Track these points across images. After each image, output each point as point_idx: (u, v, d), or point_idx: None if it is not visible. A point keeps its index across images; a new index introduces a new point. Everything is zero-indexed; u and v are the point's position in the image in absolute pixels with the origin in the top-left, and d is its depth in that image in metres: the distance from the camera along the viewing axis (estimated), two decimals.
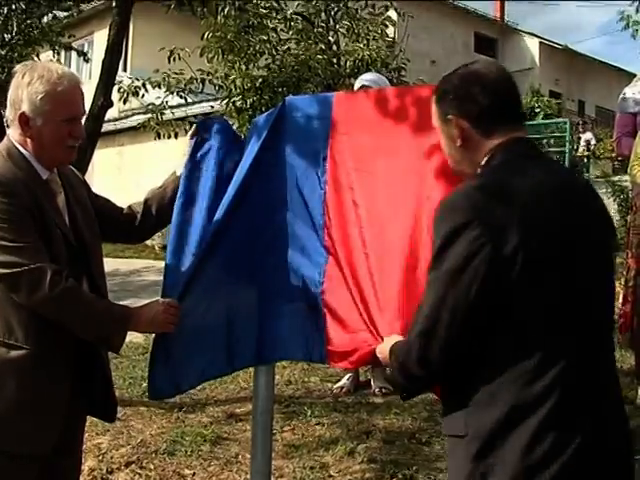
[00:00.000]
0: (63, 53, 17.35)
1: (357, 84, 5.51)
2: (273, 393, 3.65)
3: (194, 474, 5.17)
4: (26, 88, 2.89)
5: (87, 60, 15.86)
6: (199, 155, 3.51)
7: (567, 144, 20.64)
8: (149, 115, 9.52)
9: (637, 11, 17.71)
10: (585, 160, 24.97)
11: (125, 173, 21.02)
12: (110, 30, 6.97)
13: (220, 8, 8.73)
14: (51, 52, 15.13)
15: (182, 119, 10.74)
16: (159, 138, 9.28)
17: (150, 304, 3.13)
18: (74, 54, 17.18)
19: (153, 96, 9.43)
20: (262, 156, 3.47)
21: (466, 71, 2.50)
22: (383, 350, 2.70)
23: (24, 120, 2.91)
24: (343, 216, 3.33)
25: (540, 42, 35.35)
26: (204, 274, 3.33)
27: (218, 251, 3.36)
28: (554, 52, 35.32)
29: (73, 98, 2.98)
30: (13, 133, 2.98)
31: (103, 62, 7.00)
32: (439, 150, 3.18)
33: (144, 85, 9.25)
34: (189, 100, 9.82)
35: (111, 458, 5.40)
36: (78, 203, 3.14)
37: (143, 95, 9.33)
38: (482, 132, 2.41)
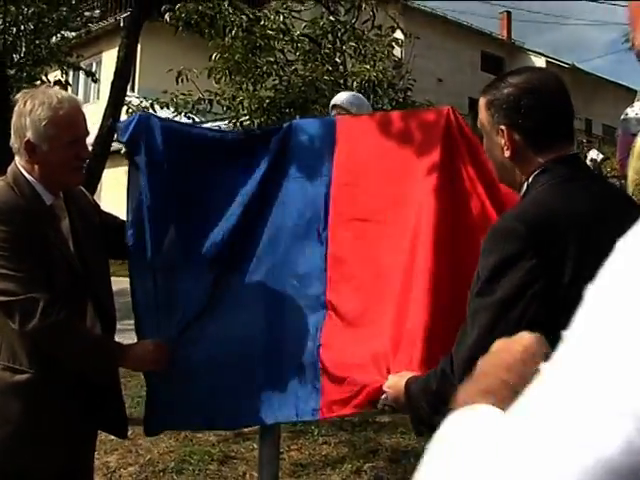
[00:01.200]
0: (71, 73, 17.44)
1: (331, 103, 5.53)
2: None
3: None
4: (29, 116, 2.94)
5: (95, 80, 15.94)
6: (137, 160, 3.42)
7: None
8: None
9: None
10: None
11: None
12: (119, 52, 7.05)
13: (228, 29, 8.79)
14: (59, 72, 15.21)
15: None
16: None
17: (142, 342, 3.23)
18: (82, 74, 17.26)
19: (161, 116, 9.47)
20: (267, 179, 3.48)
21: (522, 81, 2.39)
22: (395, 386, 2.66)
23: (30, 147, 2.95)
24: (348, 254, 3.33)
25: (547, 61, 35.38)
26: (198, 327, 3.35)
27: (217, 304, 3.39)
28: (561, 71, 35.29)
29: (75, 120, 3.03)
30: (19, 160, 3.02)
31: (112, 83, 7.08)
32: (444, 173, 3.21)
33: (152, 105, 9.32)
34: (196, 120, 9.87)
35: (119, 477, 5.43)
36: (84, 226, 3.16)
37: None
38: (533, 147, 2.33)
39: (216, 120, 10.67)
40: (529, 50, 36.86)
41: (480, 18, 37.78)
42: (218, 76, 8.95)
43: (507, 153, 2.35)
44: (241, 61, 8.69)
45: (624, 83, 37.83)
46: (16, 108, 3.01)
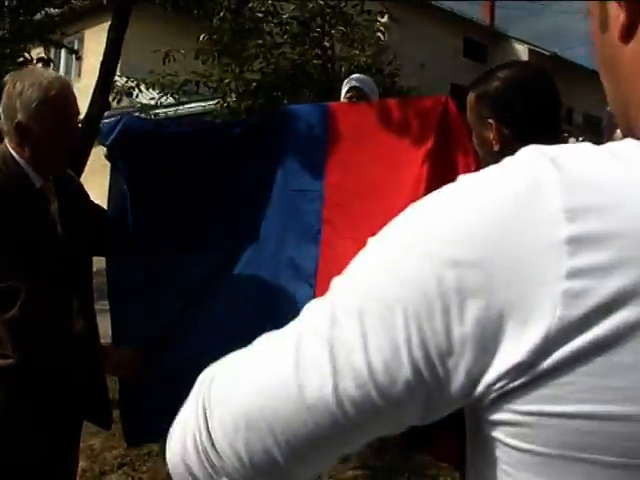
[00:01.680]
0: (53, 50, 17.29)
1: (346, 85, 5.44)
2: None
3: None
4: (19, 97, 2.89)
5: (78, 58, 15.81)
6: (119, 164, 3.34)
7: None
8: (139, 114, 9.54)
9: None
10: None
11: None
12: (109, 33, 6.97)
13: (216, 11, 8.73)
14: (41, 49, 15.06)
15: (174, 119, 10.76)
16: None
17: (120, 349, 3.19)
18: (63, 51, 17.11)
19: (147, 96, 9.44)
20: (256, 165, 3.42)
21: (510, 75, 2.44)
22: None
23: (21, 128, 2.90)
24: (342, 254, 3.15)
25: (530, 49, 35.45)
26: (181, 329, 3.28)
27: (204, 304, 3.30)
28: (543, 59, 35.37)
29: (66, 100, 2.98)
30: (9, 142, 2.97)
31: (101, 64, 7.00)
32: (438, 161, 3.20)
33: (138, 85, 9.27)
34: (183, 100, 9.84)
35: (104, 459, 5.41)
36: (72, 210, 3.11)
37: (137, 95, 9.34)
38: (522, 140, 2.33)
39: (199, 100, 10.64)
40: (512, 38, 36.85)
41: (463, 4, 37.77)
42: (205, 57, 8.88)
43: (496, 147, 2.39)
44: (230, 43, 8.63)
45: None
46: (5, 90, 2.97)
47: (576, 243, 0.71)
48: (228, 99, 8.82)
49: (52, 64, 16.12)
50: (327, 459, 0.88)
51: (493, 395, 0.75)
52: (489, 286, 0.73)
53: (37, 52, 15.30)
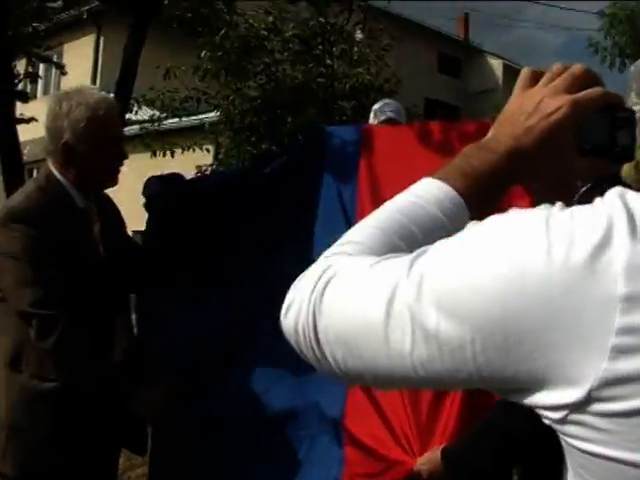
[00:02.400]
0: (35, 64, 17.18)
1: (380, 115, 5.37)
2: None
3: None
4: (66, 117, 2.87)
5: (64, 73, 15.72)
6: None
7: None
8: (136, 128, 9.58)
9: (605, 37, 18.20)
10: None
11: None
12: (124, 53, 6.98)
13: (219, 28, 8.76)
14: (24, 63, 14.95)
15: (174, 131, 10.82)
16: (155, 156, 9.31)
17: (150, 391, 2.99)
18: (42, 65, 17.02)
19: (147, 113, 9.46)
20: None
21: None
22: (430, 460, 2.60)
23: (67, 149, 2.88)
24: None
25: (504, 63, 35.78)
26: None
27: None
28: (517, 73, 35.56)
29: (113, 120, 3.00)
30: (53, 162, 2.95)
31: (117, 83, 7.01)
32: None
33: (138, 102, 9.27)
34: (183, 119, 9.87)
35: (128, 478, 5.38)
36: (113, 233, 3.12)
37: (137, 112, 9.35)
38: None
39: (199, 114, 10.65)
40: (486, 52, 37.17)
41: (438, 19, 37.98)
42: (210, 75, 8.90)
43: None
44: (235, 60, 8.66)
45: None
46: (50, 110, 2.96)
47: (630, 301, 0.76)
48: (232, 118, 8.84)
49: (40, 79, 16.10)
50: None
51: (553, 421, 0.83)
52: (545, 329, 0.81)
53: (21, 67, 15.27)
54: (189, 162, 10.87)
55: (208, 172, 9.47)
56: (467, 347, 0.85)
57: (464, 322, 0.85)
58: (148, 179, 3.37)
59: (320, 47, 9.33)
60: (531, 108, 1.15)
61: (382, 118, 5.23)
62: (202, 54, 8.94)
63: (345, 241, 1.09)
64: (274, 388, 3.16)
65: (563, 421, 0.81)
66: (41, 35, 15.58)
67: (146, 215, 3.31)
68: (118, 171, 3.06)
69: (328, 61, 9.20)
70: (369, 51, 9.61)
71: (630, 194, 0.85)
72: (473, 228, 0.93)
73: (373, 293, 0.93)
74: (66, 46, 24.43)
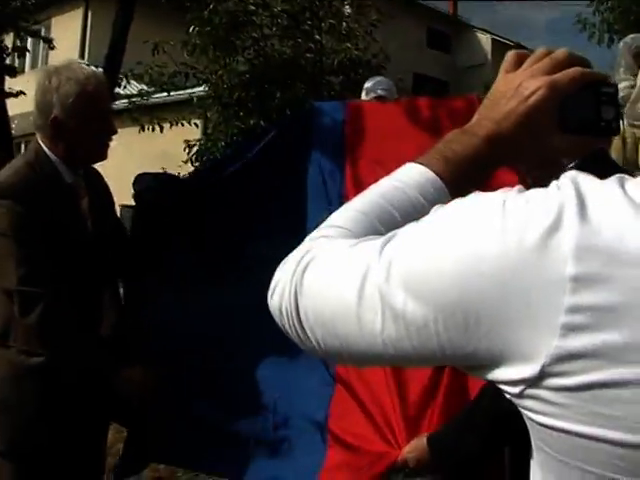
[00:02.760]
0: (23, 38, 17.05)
1: (371, 93, 5.41)
2: None
3: None
4: (56, 92, 2.88)
5: (52, 47, 15.64)
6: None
7: None
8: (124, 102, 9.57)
9: (594, 14, 18.14)
10: None
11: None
12: (113, 28, 6.98)
13: (207, 3, 8.74)
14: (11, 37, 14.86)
15: (162, 106, 10.83)
16: (143, 130, 9.32)
17: (135, 368, 2.99)
18: (30, 39, 16.93)
19: (135, 88, 9.47)
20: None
21: None
22: (416, 447, 2.60)
23: (57, 124, 2.89)
24: None
25: (493, 39, 35.67)
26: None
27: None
28: (507, 49, 35.41)
29: (102, 95, 2.99)
30: (42, 137, 2.96)
31: (106, 58, 7.02)
32: None
33: (126, 77, 9.27)
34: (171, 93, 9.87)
35: (118, 451, 5.42)
36: (101, 208, 3.13)
37: (124, 87, 9.35)
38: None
39: (186, 88, 10.64)
40: (475, 27, 37.05)
41: None
42: (198, 50, 8.88)
43: None
44: (224, 36, 8.65)
45: None
46: (39, 85, 2.94)
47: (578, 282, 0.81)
48: (219, 91, 8.84)
49: (29, 53, 16.01)
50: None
51: (512, 395, 0.89)
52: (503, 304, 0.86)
53: (10, 41, 15.15)
54: (178, 137, 10.92)
55: (196, 147, 9.58)
56: (431, 326, 0.90)
57: (428, 303, 0.89)
58: (139, 175, 3.39)
59: (309, 22, 9.34)
60: (511, 92, 1.18)
61: (373, 95, 5.30)
62: (190, 29, 8.90)
63: (328, 224, 1.15)
64: (261, 381, 3.18)
65: (521, 395, 0.86)
66: (29, 9, 15.55)
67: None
68: (107, 146, 3.07)
69: (317, 36, 9.22)
70: (357, 26, 9.59)
71: (582, 177, 0.89)
72: (438, 211, 0.97)
73: (348, 275, 0.98)
74: (54, 20, 24.23)
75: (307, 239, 1.12)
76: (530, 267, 0.83)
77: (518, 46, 36.25)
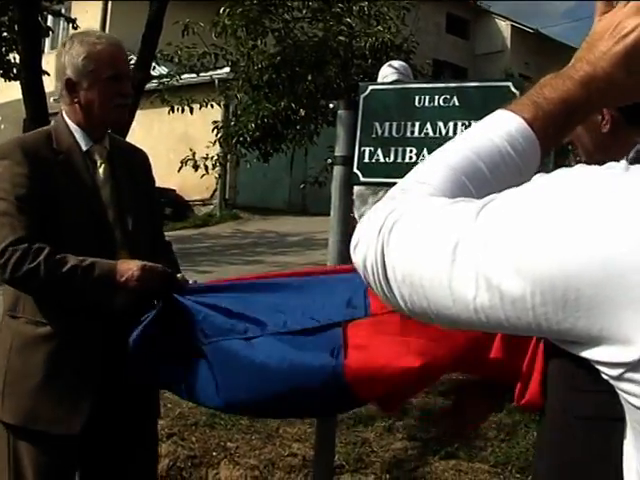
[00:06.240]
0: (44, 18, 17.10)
1: (391, 76, 5.41)
2: None
3: (237, 447, 5.24)
4: (67, 54, 2.88)
5: (75, 27, 15.66)
6: None
7: None
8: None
9: None
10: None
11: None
12: (150, 7, 6.95)
13: None
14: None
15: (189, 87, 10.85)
16: (173, 111, 9.31)
17: (128, 261, 2.87)
18: (50, 18, 17.03)
19: (164, 70, 9.46)
20: None
21: None
22: None
23: (70, 85, 2.89)
24: None
25: (512, 25, 35.51)
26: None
27: None
28: (525, 36, 35.50)
29: (115, 56, 2.95)
30: (63, 105, 2.98)
31: (143, 37, 7.01)
32: None
33: (156, 58, 9.25)
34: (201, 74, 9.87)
35: None
36: (128, 181, 3.06)
37: (154, 68, 9.34)
38: (630, 122, 2.10)
39: (216, 68, 10.61)
40: (494, 14, 36.87)
41: None
42: (229, 30, 8.84)
43: (606, 128, 2.12)
44: (256, 17, 8.62)
45: None
46: (57, 52, 2.96)
47: None
48: (249, 72, 8.82)
49: (52, 33, 16.03)
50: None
51: (610, 377, 0.88)
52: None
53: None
54: (199, 119, 10.89)
55: (223, 129, 9.57)
56: (527, 299, 0.88)
57: (527, 276, 0.87)
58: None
59: (340, 5, 9.29)
60: (608, 32, 1.12)
61: (390, 80, 5.32)
62: (221, 10, 8.86)
63: (414, 179, 1.12)
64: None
65: (619, 378, 0.85)
66: None
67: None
68: (122, 108, 3.03)
69: (347, 19, 9.17)
70: (387, 10, 9.55)
71: None
72: (540, 182, 0.95)
73: (439, 238, 0.96)
74: (73, 3, 24.24)
75: (389, 195, 1.10)
76: (638, 250, 0.81)
77: (537, 33, 36.10)
